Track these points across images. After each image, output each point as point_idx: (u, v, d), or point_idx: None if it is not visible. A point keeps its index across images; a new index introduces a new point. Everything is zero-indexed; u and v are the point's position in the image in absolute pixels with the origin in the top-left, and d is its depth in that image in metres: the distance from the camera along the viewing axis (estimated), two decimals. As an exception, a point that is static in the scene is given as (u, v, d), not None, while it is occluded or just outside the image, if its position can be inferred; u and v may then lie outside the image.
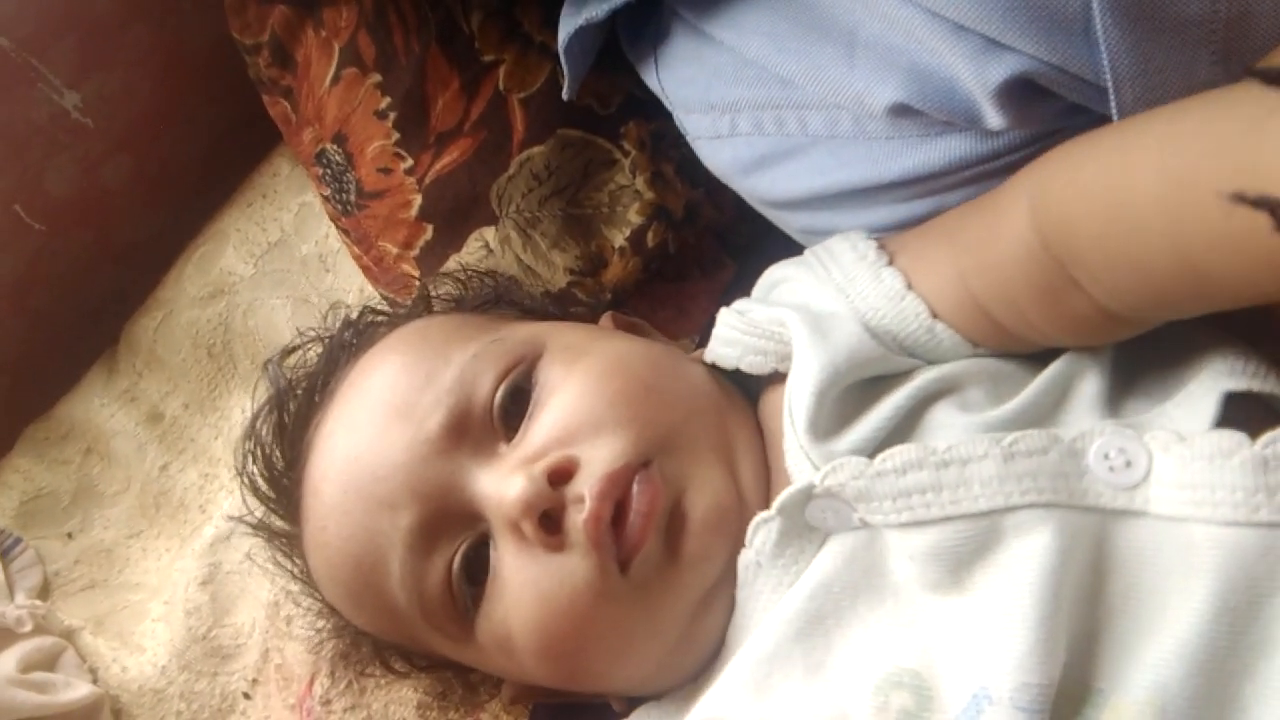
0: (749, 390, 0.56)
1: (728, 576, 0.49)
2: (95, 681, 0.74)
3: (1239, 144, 0.36)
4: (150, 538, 0.81)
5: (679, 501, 0.49)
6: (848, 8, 0.50)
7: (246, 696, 0.73)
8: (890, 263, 0.50)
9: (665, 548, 0.48)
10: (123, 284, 0.86)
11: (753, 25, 0.54)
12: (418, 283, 0.72)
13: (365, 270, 0.76)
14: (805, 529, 0.46)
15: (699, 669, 0.52)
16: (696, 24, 0.57)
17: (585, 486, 0.47)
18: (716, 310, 0.69)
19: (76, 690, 0.71)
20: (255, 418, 0.63)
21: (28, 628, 0.74)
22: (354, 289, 0.80)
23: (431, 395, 0.52)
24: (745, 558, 0.48)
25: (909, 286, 0.49)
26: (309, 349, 0.65)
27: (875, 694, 0.42)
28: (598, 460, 0.48)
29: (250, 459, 0.62)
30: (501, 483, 0.49)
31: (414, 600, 0.52)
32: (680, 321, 0.71)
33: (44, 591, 0.79)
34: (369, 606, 0.55)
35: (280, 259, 0.83)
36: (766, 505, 0.48)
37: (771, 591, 0.47)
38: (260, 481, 0.62)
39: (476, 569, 0.51)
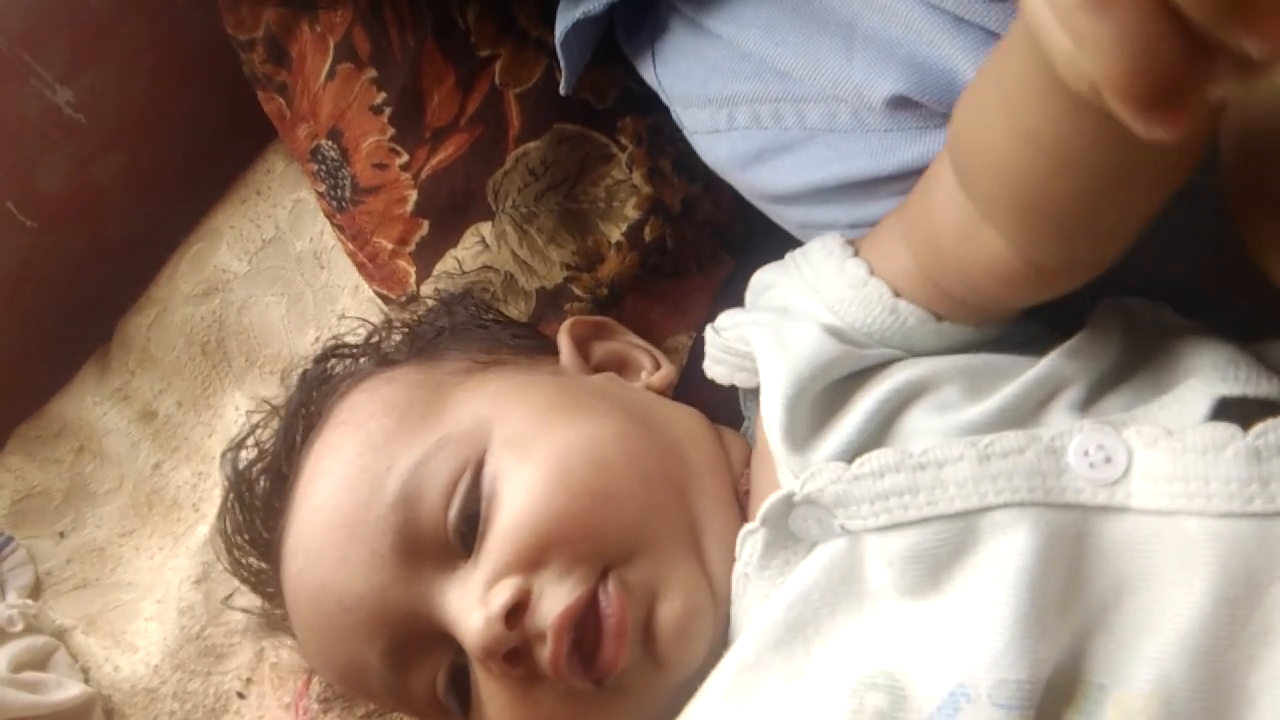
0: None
1: (712, 654, 0.49)
2: (87, 681, 0.73)
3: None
4: (143, 536, 0.81)
5: (650, 610, 0.49)
6: (846, 0, 0.50)
7: (241, 696, 0.72)
8: (855, 255, 0.51)
9: (643, 655, 0.49)
10: (115, 281, 0.85)
11: (750, 18, 0.54)
12: (407, 288, 0.71)
13: (360, 267, 0.75)
14: (790, 539, 0.46)
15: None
16: (694, 18, 0.57)
17: (545, 623, 0.48)
18: (714, 306, 0.70)
19: (68, 690, 0.71)
20: (221, 515, 0.64)
21: (19, 627, 0.73)
22: (348, 286, 0.80)
23: (377, 511, 0.51)
24: (735, 571, 0.48)
25: (871, 273, 0.50)
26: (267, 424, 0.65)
27: (850, 696, 0.42)
28: (552, 592, 0.48)
29: (230, 557, 0.64)
30: (465, 614, 0.49)
31: (404, 706, 0.55)
32: (677, 317, 0.71)
33: (35, 591, 0.79)
34: (364, 698, 0.59)
35: (274, 256, 0.83)
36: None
37: (759, 604, 0.47)
38: (243, 570, 0.64)
39: (461, 681, 0.52)
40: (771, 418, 0.47)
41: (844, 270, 0.51)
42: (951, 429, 0.45)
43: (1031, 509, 0.42)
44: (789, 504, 0.45)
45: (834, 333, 0.49)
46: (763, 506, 0.46)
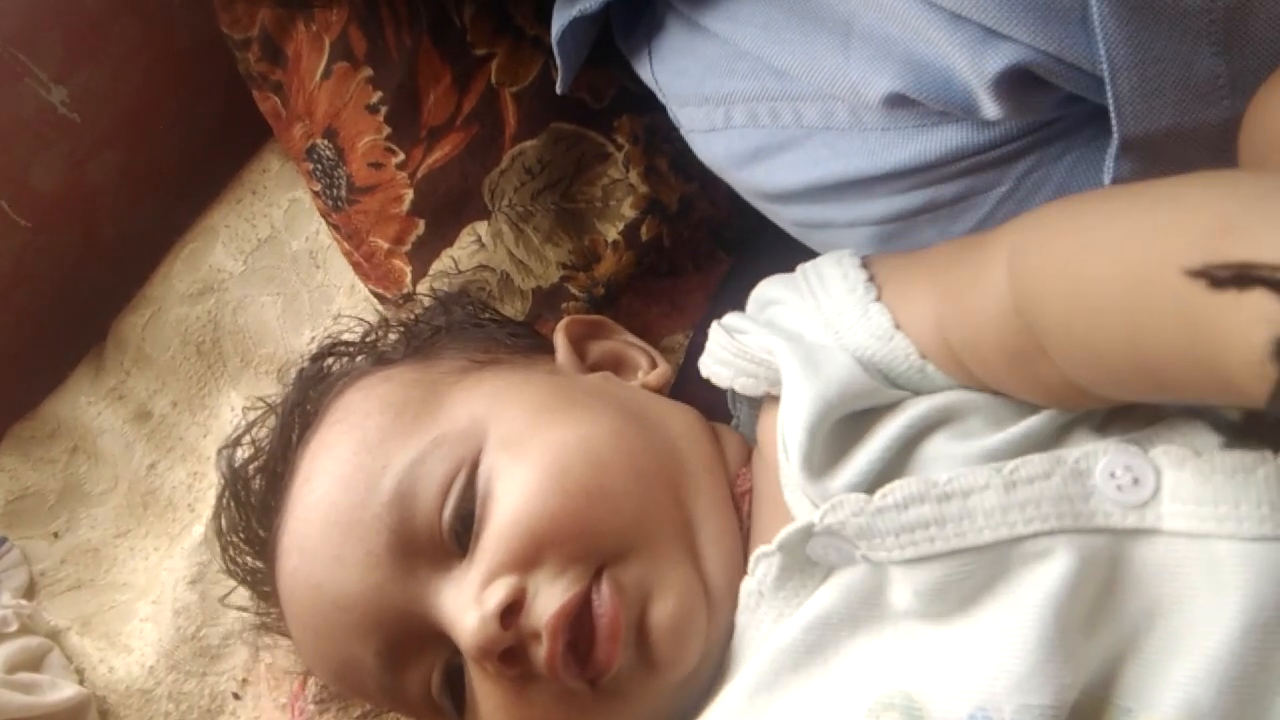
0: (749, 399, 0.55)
1: (709, 655, 0.49)
2: (82, 682, 0.73)
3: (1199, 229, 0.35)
4: (138, 537, 0.81)
5: (644, 610, 0.49)
6: (844, -2, 0.50)
7: (236, 697, 0.72)
8: (878, 297, 0.49)
9: (637, 656, 0.48)
10: (110, 281, 0.85)
11: (747, 16, 0.54)
12: (401, 291, 0.71)
13: (355, 266, 0.75)
14: (807, 563, 0.46)
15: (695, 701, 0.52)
16: (691, 16, 0.57)
17: (540, 622, 0.47)
18: (711, 305, 0.70)
19: (63, 691, 0.71)
20: (217, 513, 0.64)
21: (13, 628, 0.73)
22: (344, 285, 0.79)
23: (372, 510, 0.51)
24: (747, 586, 0.48)
25: (896, 326, 0.48)
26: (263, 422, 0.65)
27: (867, 716, 0.42)
28: (547, 591, 0.48)
29: (225, 556, 0.64)
30: (460, 614, 0.48)
31: (399, 705, 0.55)
32: (674, 316, 0.71)
33: (30, 591, 0.79)
34: (359, 698, 0.59)
35: (270, 255, 0.83)
36: (740, 575, 0.48)
37: (773, 622, 0.47)
38: (238, 569, 0.64)
39: (456, 681, 0.52)
40: (792, 441, 0.46)
41: (867, 315, 0.49)
42: (973, 456, 0.44)
43: (1063, 536, 0.41)
44: (808, 534, 0.45)
45: (863, 365, 0.48)
46: (780, 535, 0.46)
